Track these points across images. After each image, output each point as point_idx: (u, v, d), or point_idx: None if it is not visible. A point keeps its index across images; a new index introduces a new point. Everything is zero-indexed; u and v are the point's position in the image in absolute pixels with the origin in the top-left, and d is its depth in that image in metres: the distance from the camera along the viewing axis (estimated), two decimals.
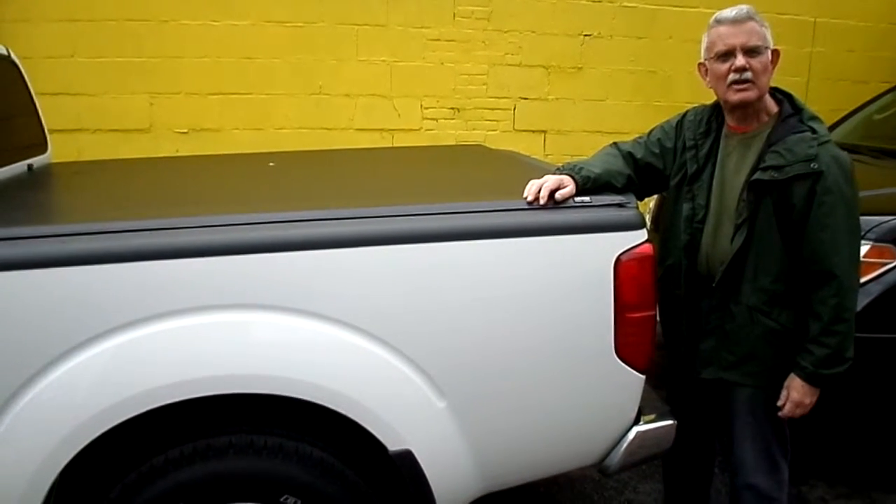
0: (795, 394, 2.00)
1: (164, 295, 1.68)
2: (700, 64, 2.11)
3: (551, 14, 4.87)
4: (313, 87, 4.64)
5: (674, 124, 2.21)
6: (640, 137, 2.24)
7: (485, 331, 1.85)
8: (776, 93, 2.09)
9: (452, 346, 1.83)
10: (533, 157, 3.49)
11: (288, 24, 4.53)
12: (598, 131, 5.03)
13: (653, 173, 2.19)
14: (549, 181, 1.96)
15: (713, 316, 2.09)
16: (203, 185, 2.51)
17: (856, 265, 1.99)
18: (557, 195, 1.95)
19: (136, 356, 1.69)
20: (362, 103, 4.71)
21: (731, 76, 1.98)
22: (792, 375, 2.01)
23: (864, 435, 2.88)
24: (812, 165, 1.92)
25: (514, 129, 4.97)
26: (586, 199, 1.98)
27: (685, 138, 2.16)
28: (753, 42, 1.97)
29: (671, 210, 2.20)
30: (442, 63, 4.78)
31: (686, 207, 2.13)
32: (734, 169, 2.07)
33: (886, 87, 4.70)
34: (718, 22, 2.02)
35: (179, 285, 1.69)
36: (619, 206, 1.98)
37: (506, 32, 4.84)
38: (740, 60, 1.97)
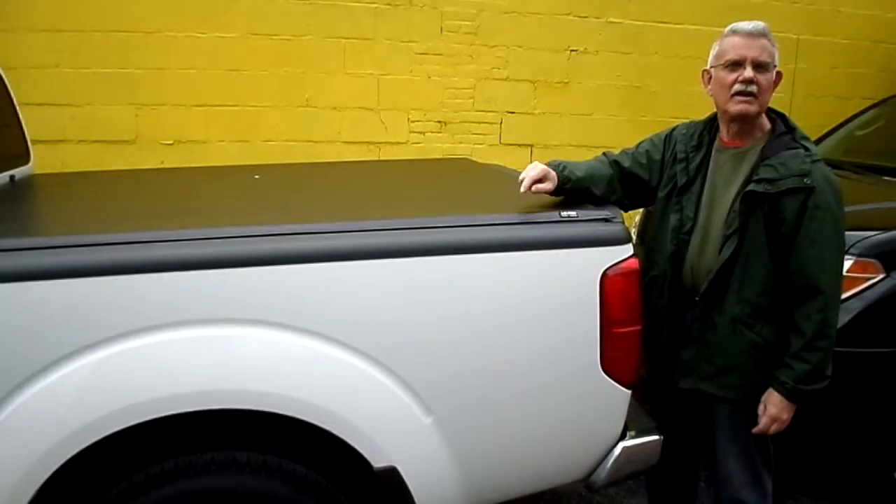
0: (773, 409, 2.01)
1: (145, 309, 1.66)
2: (704, 71, 2.13)
3: (538, 29, 4.89)
4: (300, 100, 4.62)
5: (663, 137, 2.24)
6: (628, 149, 2.27)
7: (471, 345, 1.84)
8: (769, 111, 2.12)
9: (439, 361, 1.81)
10: (519, 171, 3.49)
11: (275, 37, 4.52)
12: (584, 146, 5.04)
13: (637, 184, 2.21)
14: (535, 171, 2.06)
15: (695, 326, 2.10)
16: (187, 198, 2.48)
17: (840, 283, 2.01)
18: (534, 188, 2.04)
19: (118, 371, 1.66)
20: (349, 116, 4.71)
21: (737, 86, 2.00)
22: (770, 390, 2.01)
23: (847, 449, 2.89)
24: (805, 181, 1.95)
25: (500, 142, 4.97)
26: (573, 213, 1.98)
27: (676, 151, 2.18)
28: (764, 58, 1.99)
29: (658, 222, 2.21)
30: (429, 77, 4.78)
31: (674, 218, 2.14)
32: (725, 182, 2.09)
33: (869, 103, 4.76)
34: (734, 32, 2.04)
35: (161, 299, 1.67)
36: (606, 220, 1.98)
37: (493, 47, 4.85)
38: (749, 72, 1.99)
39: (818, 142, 4.17)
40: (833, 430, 2.80)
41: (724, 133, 2.13)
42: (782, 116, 2.12)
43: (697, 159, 2.14)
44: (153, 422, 1.67)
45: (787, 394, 1.99)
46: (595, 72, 5.05)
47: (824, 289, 1.94)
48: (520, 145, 5.01)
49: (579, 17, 4.95)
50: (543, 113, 5.00)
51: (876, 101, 4.64)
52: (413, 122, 4.81)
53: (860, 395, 2.72)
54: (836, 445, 2.92)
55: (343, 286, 1.75)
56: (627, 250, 1.93)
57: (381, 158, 4.76)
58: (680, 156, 2.16)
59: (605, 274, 1.89)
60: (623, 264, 1.92)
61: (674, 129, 2.24)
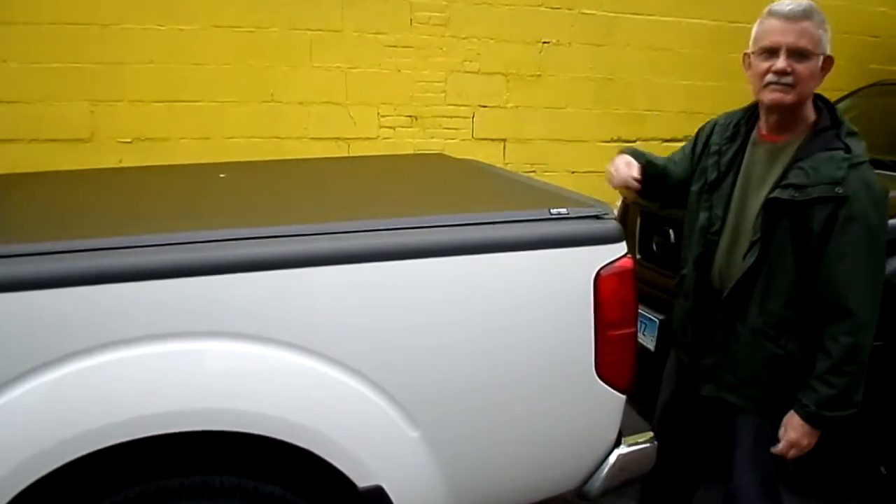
0: (793, 433, 1.87)
1: (104, 324, 1.51)
2: (745, 54, 1.94)
3: (510, 20, 4.79)
4: (265, 95, 4.45)
5: (701, 128, 2.12)
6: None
7: (459, 353, 1.73)
8: (817, 101, 1.92)
9: (425, 371, 1.70)
10: (495, 165, 3.39)
11: (238, 29, 4.34)
12: (558, 139, 4.97)
13: (667, 181, 2.12)
14: (622, 169, 1.97)
15: (719, 333, 1.98)
16: (146, 200, 2.31)
17: (875, 302, 1.82)
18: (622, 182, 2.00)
19: (76, 392, 1.50)
20: (317, 111, 4.55)
21: (769, 76, 1.82)
22: (791, 413, 1.88)
23: (834, 444, 2.85)
24: (836, 190, 1.76)
25: (473, 137, 4.86)
26: (563, 210, 1.87)
27: (711, 143, 2.04)
28: (803, 44, 1.78)
29: (689, 219, 2.09)
30: (399, 70, 4.65)
31: (702, 217, 2.01)
32: (758, 181, 1.93)
33: (839, 94, 4.74)
34: (770, 14, 1.85)
35: (120, 313, 1.51)
36: (597, 217, 1.88)
37: (464, 39, 4.73)
38: (781, 63, 1.79)
39: None
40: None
41: (762, 124, 1.95)
42: (830, 108, 1.90)
43: (730, 153, 1.97)
44: (116, 446, 1.52)
45: (807, 418, 1.84)
46: (568, 64, 4.96)
47: (854, 309, 1.76)
48: (493, 140, 4.90)
49: (551, 7, 4.86)
50: (516, 106, 4.90)
51: (846, 93, 4.63)
52: (383, 116, 4.67)
53: None
54: (822, 440, 2.87)
55: (319, 293, 1.62)
56: (621, 249, 1.84)
57: (351, 154, 4.62)
58: (713, 148, 2.01)
59: (598, 274, 1.79)
60: (617, 263, 1.82)
61: (715, 120, 2.10)
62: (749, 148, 1.97)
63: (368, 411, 1.65)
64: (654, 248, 3.38)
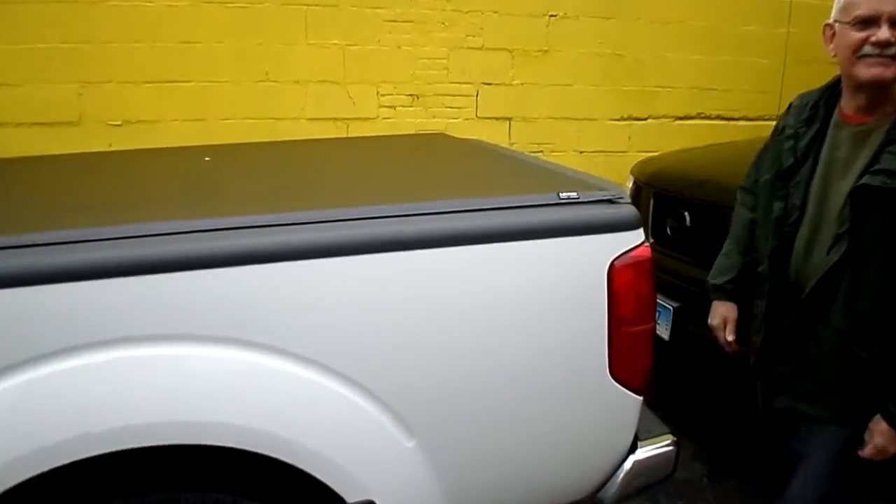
0: (880, 439, 1.72)
1: (72, 325, 1.35)
2: (826, 25, 1.77)
3: None
4: (259, 74, 4.28)
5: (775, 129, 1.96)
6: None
7: (458, 353, 1.57)
8: None
9: (422, 375, 1.54)
10: (502, 146, 3.22)
11: (230, 5, 4.16)
12: (565, 118, 4.78)
13: None
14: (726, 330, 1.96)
15: (796, 337, 1.81)
16: (118, 186, 2.13)
17: None
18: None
19: (41, 400, 1.35)
20: (313, 90, 4.37)
21: (867, 48, 1.64)
22: (878, 418, 1.72)
23: None
24: None
25: (476, 116, 4.68)
26: (573, 193, 1.70)
27: (785, 126, 1.86)
28: None
29: (762, 210, 1.93)
30: (399, 46, 4.46)
31: (777, 207, 1.83)
32: (842, 167, 1.75)
33: None
34: None
35: (87, 313, 1.36)
36: (611, 201, 1.71)
37: (466, 13, 4.53)
38: (884, 33, 1.61)
39: None
40: None
41: (847, 104, 1.77)
42: None
43: (808, 137, 1.79)
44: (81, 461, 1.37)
45: (894, 424, 1.70)
46: (575, 39, 4.75)
47: None
48: (497, 118, 4.71)
49: None
50: (522, 84, 4.70)
51: None
52: (383, 95, 4.49)
53: None
54: None
55: (303, 290, 1.46)
56: (638, 236, 1.68)
57: (350, 135, 4.45)
58: (788, 131, 1.83)
59: (612, 265, 1.63)
60: (633, 253, 1.66)
61: (788, 107, 1.94)
62: (830, 131, 1.79)
63: (358, 420, 1.49)
64: (669, 231, 3.22)
